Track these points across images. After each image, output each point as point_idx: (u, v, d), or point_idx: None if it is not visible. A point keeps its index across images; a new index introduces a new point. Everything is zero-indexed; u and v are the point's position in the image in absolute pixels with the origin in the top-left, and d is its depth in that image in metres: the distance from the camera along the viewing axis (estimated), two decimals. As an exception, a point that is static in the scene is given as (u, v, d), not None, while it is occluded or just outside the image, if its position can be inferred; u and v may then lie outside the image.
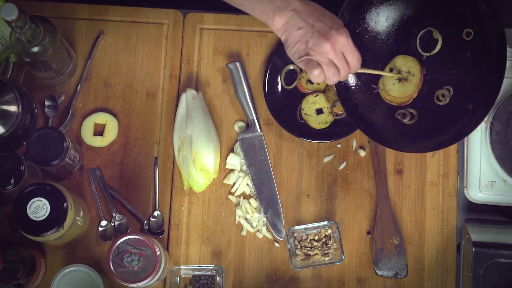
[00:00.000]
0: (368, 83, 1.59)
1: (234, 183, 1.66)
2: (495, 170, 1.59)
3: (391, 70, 1.58)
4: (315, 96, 1.66)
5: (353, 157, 1.68)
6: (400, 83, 1.57)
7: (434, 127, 1.54)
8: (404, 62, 1.57)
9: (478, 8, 1.47)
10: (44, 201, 1.45)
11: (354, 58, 1.42)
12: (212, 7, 1.72)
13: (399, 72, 1.56)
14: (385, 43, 1.58)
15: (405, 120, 1.55)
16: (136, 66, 1.70)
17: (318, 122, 1.66)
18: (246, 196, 1.66)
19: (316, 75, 1.39)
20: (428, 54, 1.55)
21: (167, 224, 1.64)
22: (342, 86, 1.58)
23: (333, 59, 1.39)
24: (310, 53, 1.38)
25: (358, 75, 1.58)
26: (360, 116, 1.57)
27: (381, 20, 1.57)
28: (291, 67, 1.67)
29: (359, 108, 1.57)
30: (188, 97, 1.66)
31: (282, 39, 1.41)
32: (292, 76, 1.68)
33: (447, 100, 1.53)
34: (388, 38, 1.58)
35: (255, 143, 1.66)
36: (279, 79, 1.68)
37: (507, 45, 1.57)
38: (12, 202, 1.46)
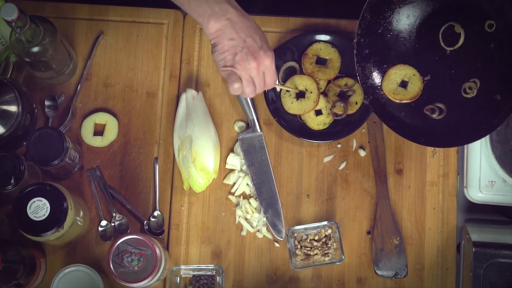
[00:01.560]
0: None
1: (234, 183, 1.66)
2: (495, 170, 1.59)
3: (287, 90, 1.64)
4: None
5: (353, 157, 1.68)
6: (299, 101, 1.63)
7: (465, 120, 1.54)
8: (300, 81, 1.63)
9: None
10: (44, 201, 1.45)
11: (272, 80, 1.49)
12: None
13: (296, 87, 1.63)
14: (408, 41, 1.58)
15: (434, 115, 1.55)
16: (136, 66, 1.70)
17: (316, 123, 1.66)
18: (246, 196, 1.66)
19: (235, 88, 1.45)
20: (452, 49, 1.56)
21: (167, 224, 1.64)
22: (369, 86, 1.58)
23: (254, 78, 1.46)
24: (236, 66, 1.44)
25: (384, 75, 1.59)
26: (389, 115, 1.57)
27: (402, 19, 1.57)
28: (289, 65, 1.67)
29: (387, 107, 1.58)
30: (188, 97, 1.66)
31: (212, 42, 1.45)
32: (290, 74, 1.68)
33: (475, 93, 1.53)
34: (410, 35, 1.58)
35: (255, 143, 1.67)
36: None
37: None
38: (12, 202, 1.46)
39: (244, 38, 1.43)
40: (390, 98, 1.58)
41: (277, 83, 1.53)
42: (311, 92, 1.64)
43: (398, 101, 1.58)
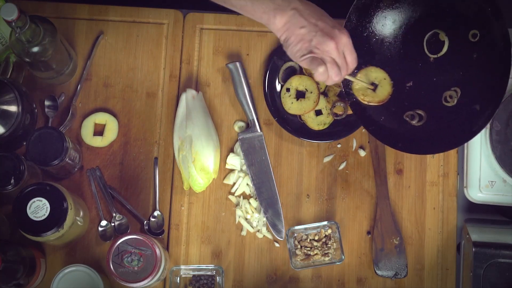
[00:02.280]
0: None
1: (234, 183, 1.66)
2: (495, 170, 1.59)
3: (288, 90, 1.64)
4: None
5: (353, 157, 1.68)
6: (299, 101, 1.63)
7: (443, 128, 1.54)
8: (300, 81, 1.63)
9: (483, 10, 1.47)
10: (44, 201, 1.45)
11: (353, 58, 1.43)
12: (212, 7, 1.72)
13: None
14: (393, 46, 1.58)
15: (414, 122, 1.55)
16: (136, 66, 1.70)
17: (317, 123, 1.66)
18: (246, 196, 1.66)
19: (321, 72, 1.40)
20: (435, 56, 1.56)
21: (167, 224, 1.64)
22: (351, 89, 1.58)
23: (336, 58, 1.41)
24: (314, 51, 1.39)
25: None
26: (369, 119, 1.57)
27: (388, 23, 1.57)
28: (290, 65, 1.67)
29: (368, 111, 1.57)
30: (188, 97, 1.66)
31: (283, 38, 1.41)
32: (290, 74, 1.68)
33: (455, 102, 1.53)
34: (396, 40, 1.58)
35: (255, 143, 1.66)
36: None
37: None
38: (12, 202, 1.46)
39: (314, 22, 1.39)
40: (359, 98, 1.58)
41: (348, 76, 1.50)
42: (311, 92, 1.64)
43: (366, 102, 1.57)
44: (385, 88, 1.57)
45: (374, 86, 1.57)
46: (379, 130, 1.56)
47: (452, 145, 1.53)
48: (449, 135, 1.52)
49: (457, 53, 1.54)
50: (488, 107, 1.48)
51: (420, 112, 1.56)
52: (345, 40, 1.40)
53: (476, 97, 1.51)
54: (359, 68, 1.57)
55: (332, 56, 1.40)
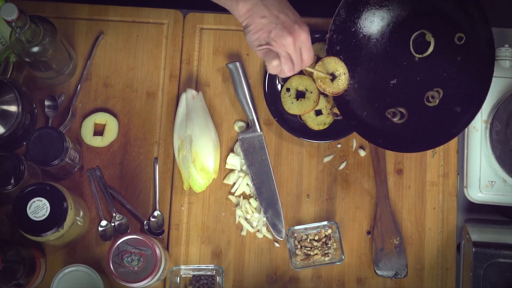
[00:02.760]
0: (362, 81, 1.60)
1: (234, 183, 1.66)
2: (495, 170, 1.59)
3: (288, 90, 1.64)
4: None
5: (353, 157, 1.68)
6: (299, 101, 1.63)
7: (423, 127, 1.56)
8: (300, 82, 1.64)
9: (470, 14, 1.50)
10: (44, 201, 1.45)
11: (309, 55, 1.44)
12: (212, 7, 1.72)
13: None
14: (380, 43, 1.60)
15: (395, 119, 1.57)
16: (136, 66, 1.70)
17: (317, 124, 1.66)
18: (246, 196, 1.66)
19: (274, 66, 1.41)
20: (421, 56, 1.58)
21: (167, 224, 1.64)
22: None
23: (292, 54, 1.42)
24: (271, 43, 1.40)
25: (352, 74, 1.59)
26: (351, 113, 1.59)
27: (376, 20, 1.59)
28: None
29: (351, 105, 1.59)
30: (188, 97, 1.66)
31: (244, 24, 1.42)
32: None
33: (437, 102, 1.56)
34: (383, 38, 1.60)
35: (255, 143, 1.66)
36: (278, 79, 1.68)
37: (507, 45, 1.58)
38: (12, 202, 1.46)
39: (276, 14, 1.39)
40: (317, 83, 1.59)
41: (308, 68, 1.51)
42: (311, 92, 1.64)
43: (321, 90, 1.60)
44: (342, 82, 1.59)
45: (333, 77, 1.59)
46: (360, 125, 1.58)
47: (432, 144, 1.55)
48: (429, 135, 1.55)
49: (442, 55, 1.56)
50: (468, 111, 1.51)
51: (401, 109, 1.58)
52: (303, 37, 1.41)
53: (458, 100, 1.53)
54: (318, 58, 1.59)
55: (288, 51, 1.41)
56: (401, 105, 1.58)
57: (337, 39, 1.58)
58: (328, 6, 1.54)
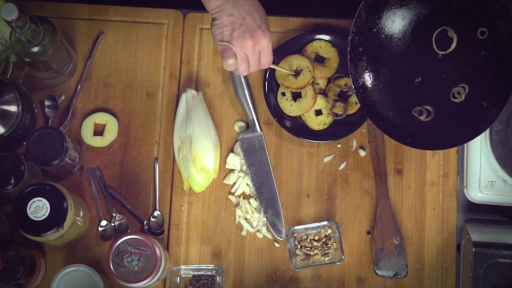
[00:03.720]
0: (386, 82, 1.60)
1: (234, 183, 1.66)
2: (495, 170, 1.59)
3: (283, 94, 1.66)
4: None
5: (353, 157, 1.68)
6: (297, 101, 1.65)
7: (450, 124, 1.55)
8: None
9: (490, 8, 1.49)
10: (44, 201, 1.45)
11: (267, 60, 1.50)
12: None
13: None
14: (402, 42, 1.59)
15: (422, 117, 1.56)
16: (136, 66, 1.70)
17: (316, 123, 1.66)
18: (246, 196, 1.66)
19: (229, 64, 1.47)
20: (444, 53, 1.57)
21: (167, 224, 1.64)
22: (359, 86, 1.59)
23: (249, 56, 1.47)
24: (232, 42, 1.45)
25: (376, 74, 1.59)
26: (377, 114, 1.58)
27: (397, 20, 1.58)
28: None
29: (377, 106, 1.59)
30: (188, 97, 1.66)
31: (212, 17, 1.47)
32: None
33: (463, 98, 1.54)
34: (405, 37, 1.59)
35: (255, 143, 1.67)
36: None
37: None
38: (12, 202, 1.46)
39: (243, 15, 1.44)
40: (279, 82, 1.64)
41: (271, 65, 1.54)
42: (305, 93, 1.65)
43: (286, 87, 1.63)
44: (306, 76, 1.62)
45: (297, 73, 1.63)
46: (387, 125, 1.58)
47: (460, 140, 1.54)
48: (456, 131, 1.54)
49: (465, 50, 1.55)
50: (495, 104, 1.49)
51: (428, 107, 1.57)
52: (264, 43, 1.46)
53: (484, 94, 1.52)
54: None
55: (247, 53, 1.46)
56: (427, 103, 1.57)
57: (359, 41, 1.58)
58: (349, 8, 1.54)
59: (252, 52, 1.46)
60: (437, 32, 1.57)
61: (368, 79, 1.60)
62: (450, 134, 1.54)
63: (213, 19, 1.46)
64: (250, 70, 1.49)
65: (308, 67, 1.63)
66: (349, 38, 1.57)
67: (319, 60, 1.67)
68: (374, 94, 1.60)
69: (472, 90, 1.54)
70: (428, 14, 1.57)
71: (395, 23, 1.59)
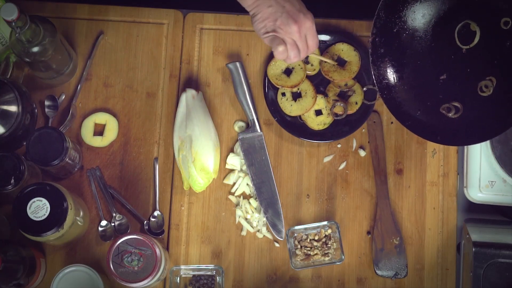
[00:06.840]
0: (411, 81, 1.59)
1: (234, 183, 1.66)
2: (495, 170, 1.59)
3: (283, 95, 1.66)
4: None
5: (353, 157, 1.68)
6: (297, 101, 1.65)
7: (480, 118, 1.53)
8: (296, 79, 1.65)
9: None
10: (44, 201, 1.45)
11: (314, 42, 1.50)
12: (212, 7, 1.72)
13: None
14: (423, 40, 1.58)
15: (450, 114, 1.55)
16: (136, 66, 1.70)
17: (316, 123, 1.66)
18: (246, 196, 1.66)
19: (280, 51, 1.47)
20: (468, 47, 1.55)
21: (167, 224, 1.64)
22: (383, 87, 1.57)
23: (297, 41, 1.47)
24: (277, 30, 1.46)
25: (400, 75, 1.58)
26: (404, 114, 1.57)
27: (418, 17, 1.57)
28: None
29: (403, 107, 1.57)
30: (188, 97, 1.66)
31: (251, 13, 1.47)
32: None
33: (491, 91, 1.53)
34: (426, 34, 1.57)
35: (255, 143, 1.67)
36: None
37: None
38: (12, 202, 1.46)
39: (282, 3, 1.45)
40: (272, 82, 1.64)
41: (315, 54, 1.56)
42: (305, 92, 1.64)
43: (279, 86, 1.63)
44: (299, 74, 1.63)
45: (288, 71, 1.65)
46: (415, 125, 1.56)
47: (490, 134, 1.52)
48: (486, 125, 1.52)
49: (490, 42, 1.53)
50: None
51: (456, 104, 1.55)
52: (308, 24, 1.47)
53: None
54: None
55: (294, 38, 1.47)
56: (454, 99, 1.56)
57: (380, 42, 1.56)
58: (352, 9, 1.54)
59: (299, 36, 1.47)
60: (459, 26, 1.54)
61: (392, 80, 1.58)
62: (480, 128, 1.52)
63: (253, 15, 1.47)
64: (301, 56, 1.49)
65: (299, 65, 1.64)
66: (369, 39, 1.55)
67: (340, 63, 1.66)
68: (400, 95, 1.58)
69: (499, 82, 1.52)
70: (448, 10, 1.55)
71: (416, 21, 1.57)
